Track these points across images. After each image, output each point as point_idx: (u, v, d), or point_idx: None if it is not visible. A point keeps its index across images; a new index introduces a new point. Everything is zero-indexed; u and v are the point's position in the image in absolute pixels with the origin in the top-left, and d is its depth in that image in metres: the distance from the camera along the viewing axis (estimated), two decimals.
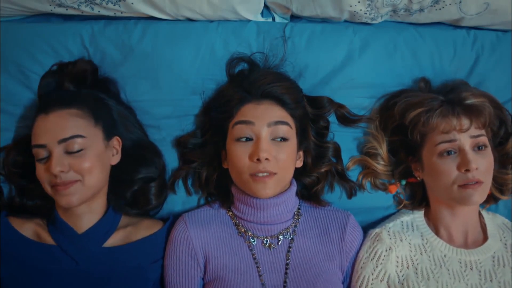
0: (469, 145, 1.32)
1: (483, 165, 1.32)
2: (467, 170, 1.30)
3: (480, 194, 1.32)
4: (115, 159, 1.35)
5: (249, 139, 1.30)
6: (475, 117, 1.33)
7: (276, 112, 1.32)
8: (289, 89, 1.36)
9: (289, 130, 1.32)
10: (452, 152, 1.33)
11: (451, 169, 1.32)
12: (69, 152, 1.24)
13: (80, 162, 1.25)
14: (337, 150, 1.47)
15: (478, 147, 1.33)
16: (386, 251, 1.34)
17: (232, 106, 1.33)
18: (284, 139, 1.31)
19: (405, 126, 1.40)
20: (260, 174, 1.28)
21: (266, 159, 1.27)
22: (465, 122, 1.32)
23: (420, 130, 1.37)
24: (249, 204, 1.34)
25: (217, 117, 1.38)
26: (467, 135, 1.32)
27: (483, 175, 1.32)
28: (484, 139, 1.34)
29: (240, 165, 1.30)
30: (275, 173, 1.29)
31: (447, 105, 1.35)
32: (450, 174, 1.32)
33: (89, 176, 1.26)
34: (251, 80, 1.36)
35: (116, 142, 1.36)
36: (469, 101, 1.34)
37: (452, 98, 1.37)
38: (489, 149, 1.35)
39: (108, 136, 1.33)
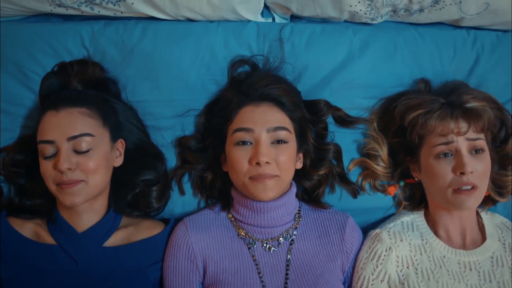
0: (466, 148, 1.32)
1: (478, 169, 1.31)
2: (462, 173, 1.29)
3: (474, 199, 1.31)
4: (119, 161, 1.36)
5: (248, 143, 1.30)
6: (473, 121, 1.32)
7: (275, 116, 1.32)
8: (287, 91, 1.36)
9: (288, 135, 1.32)
10: (449, 154, 1.32)
11: (446, 172, 1.31)
12: (77, 151, 1.25)
13: (88, 161, 1.25)
14: (338, 152, 1.47)
15: (475, 151, 1.32)
16: (386, 251, 1.34)
17: (231, 110, 1.33)
18: (283, 142, 1.31)
19: (405, 128, 1.40)
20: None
21: (267, 162, 1.27)
22: (463, 125, 1.32)
23: (419, 132, 1.37)
24: (250, 207, 1.34)
25: (216, 122, 1.38)
26: (464, 138, 1.32)
27: (478, 179, 1.31)
28: (481, 143, 1.33)
29: (240, 168, 1.29)
30: (276, 175, 1.29)
31: (446, 107, 1.35)
32: (445, 177, 1.32)
33: (94, 176, 1.26)
34: (248, 82, 1.36)
35: (120, 144, 1.37)
36: (469, 105, 1.34)
37: (452, 100, 1.36)
38: (486, 153, 1.34)
39: (114, 137, 1.34)
